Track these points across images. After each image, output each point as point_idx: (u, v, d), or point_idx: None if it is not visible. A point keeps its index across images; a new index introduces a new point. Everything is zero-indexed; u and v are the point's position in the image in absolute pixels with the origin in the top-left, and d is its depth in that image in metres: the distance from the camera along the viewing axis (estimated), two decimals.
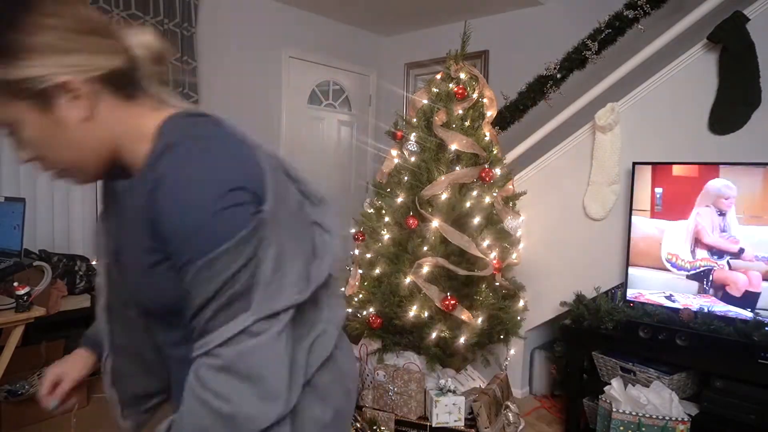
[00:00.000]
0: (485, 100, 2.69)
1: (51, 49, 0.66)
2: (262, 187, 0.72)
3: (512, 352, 2.83)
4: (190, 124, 0.76)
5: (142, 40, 0.76)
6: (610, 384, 2.32)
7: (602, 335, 2.47)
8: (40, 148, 0.73)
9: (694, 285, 2.39)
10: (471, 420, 2.41)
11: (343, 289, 2.77)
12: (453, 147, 2.48)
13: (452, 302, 2.37)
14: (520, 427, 2.66)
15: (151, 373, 0.97)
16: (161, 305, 0.80)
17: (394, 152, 2.74)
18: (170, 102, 0.81)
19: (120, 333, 0.95)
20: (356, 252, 2.77)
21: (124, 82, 0.75)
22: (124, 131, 0.76)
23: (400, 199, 2.59)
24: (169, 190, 0.68)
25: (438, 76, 2.67)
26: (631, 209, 2.54)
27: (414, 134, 2.61)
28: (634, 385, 2.29)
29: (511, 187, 2.74)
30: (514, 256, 2.69)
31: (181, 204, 0.67)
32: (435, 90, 2.63)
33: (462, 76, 2.61)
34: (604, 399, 2.29)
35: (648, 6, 2.70)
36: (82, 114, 0.71)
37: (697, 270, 2.38)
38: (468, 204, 2.49)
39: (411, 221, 2.48)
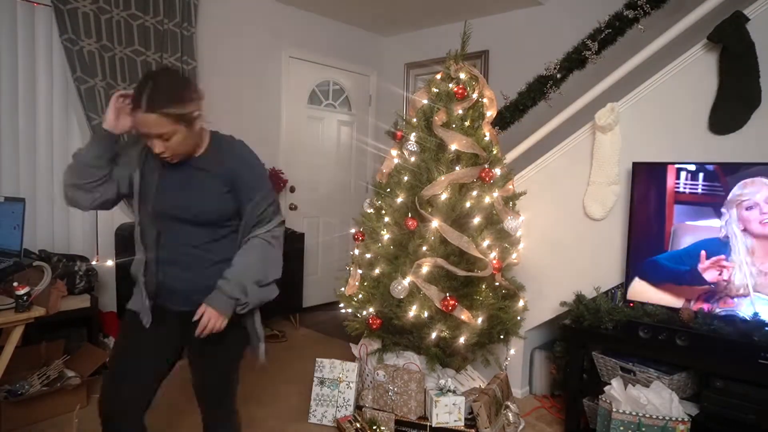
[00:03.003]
0: (485, 100, 2.69)
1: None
2: None
3: (512, 352, 2.83)
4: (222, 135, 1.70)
5: None
6: (610, 384, 2.32)
7: (602, 335, 2.47)
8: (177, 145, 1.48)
9: None
10: (471, 420, 2.41)
11: (343, 289, 2.77)
12: (453, 147, 2.48)
13: (452, 303, 2.36)
14: (520, 427, 2.66)
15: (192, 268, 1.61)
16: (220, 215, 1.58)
17: (394, 152, 2.74)
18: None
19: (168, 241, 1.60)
20: (356, 252, 2.77)
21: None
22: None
23: (399, 200, 2.59)
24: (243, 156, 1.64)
25: (438, 76, 2.67)
26: (631, 209, 2.54)
27: (414, 134, 2.61)
28: (634, 385, 2.29)
29: (511, 187, 2.74)
30: (513, 256, 2.69)
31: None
32: (435, 90, 2.63)
33: (462, 76, 2.61)
34: (604, 399, 2.29)
35: (648, 6, 2.70)
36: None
37: None
38: (468, 204, 2.49)
39: (411, 222, 2.47)
